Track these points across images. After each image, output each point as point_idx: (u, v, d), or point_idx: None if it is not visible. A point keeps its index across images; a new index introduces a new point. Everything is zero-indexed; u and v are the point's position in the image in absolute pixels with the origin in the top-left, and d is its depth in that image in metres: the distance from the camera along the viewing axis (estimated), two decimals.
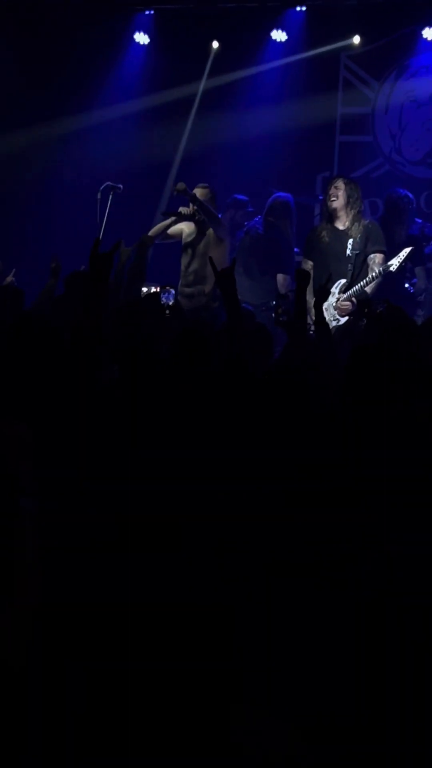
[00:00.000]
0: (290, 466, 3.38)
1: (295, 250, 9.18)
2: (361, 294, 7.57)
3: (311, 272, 7.78)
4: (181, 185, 8.23)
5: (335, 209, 7.79)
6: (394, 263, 7.49)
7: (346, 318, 7.47)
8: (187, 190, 8.20)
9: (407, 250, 7.57)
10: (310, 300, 7.17)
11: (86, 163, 11.32)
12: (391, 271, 7.52)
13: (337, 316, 7.49)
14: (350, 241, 7.62)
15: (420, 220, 10.61)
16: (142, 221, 9.11)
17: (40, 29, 11.54)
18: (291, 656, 2.50)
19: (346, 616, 2.58)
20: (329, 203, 7.80)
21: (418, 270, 9.21)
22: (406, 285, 8.98)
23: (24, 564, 2.29)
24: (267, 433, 3.78)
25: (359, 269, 7.64)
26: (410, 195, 9.80)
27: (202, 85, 11.71)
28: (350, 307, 7.38)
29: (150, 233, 8.14)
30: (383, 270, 7.47)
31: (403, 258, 7.51)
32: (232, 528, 2.99)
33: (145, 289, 8.15)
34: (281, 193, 9.40)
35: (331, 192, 7.82)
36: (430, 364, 4.72)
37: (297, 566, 2.68)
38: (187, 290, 7.72)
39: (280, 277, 8.80)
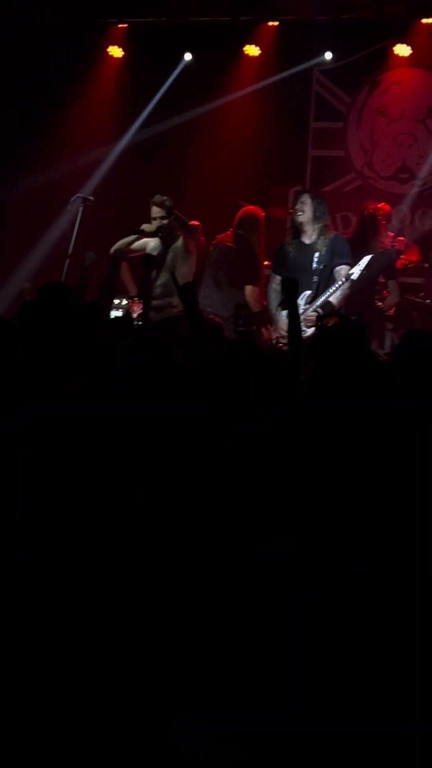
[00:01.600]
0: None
1: (260, 262, 9.24)
2: (326, 305, 7.67)
3: (277, 286, 7.86)
4: (157, 198, 8.29)
5: (301, 223, 7.93)
6: (356, 271, 7.62)
7: (313, 329, 7.53)
8: (165, 203, 8.25)
9: (367, 258, 7.69)
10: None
11: (57, 175, 11.33)
12: (352, 279, 7.64)
13: (304, 328, 7.54)
14: (316, 254, 7.73)
15: (397, 235, 10.70)
16: (114, 232, 9.09)
17: (14, 43, 11.54)
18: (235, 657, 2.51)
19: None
20: (295, 218, 7.93)
21: (390, 284, 9.27)
22: (376, 300, 9.05)
23: None
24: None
25: (325, 282, 7.74)
26: (384, 209, 9.87)
27: (167, 95, 11.73)
28: (315, 319, 7.43)
29: (113, 249, 8.17)
30: (345, 278, 7.59)
31: (363, 266, 7.64)
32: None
33: (116, 301, 8.18)
34: (251, 207, 9.45)
35: (297, 207, 7.95)
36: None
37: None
38: (155, 303, 7.74)
39: (248, 288, 8.86)
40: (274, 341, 7.72)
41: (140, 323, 5.95)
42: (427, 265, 10.35)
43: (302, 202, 7.90)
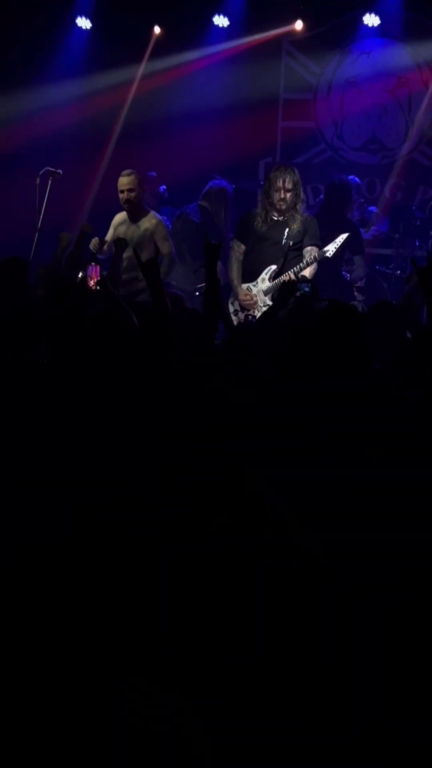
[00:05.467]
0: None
1: (226, 237, 9.20)
2: (303, 279, 7.55)
3: (240, 255, 7.76)
4: (126, 171, 8.25)
5: (282, 210, 7.62)
6: (330, 249, 7.49)
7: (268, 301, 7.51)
8: (132, 175, 8.21)
9: (344, 236, 7.59)
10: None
11: (25, 146, 11.25)
12: (327, 257, 7.53)
13: (268, 301, 7.51)
14: (286, 230, 7.58)
15: (368, 206, 10.71)
16: (79, 205, 9.07)
17: None
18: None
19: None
20: (277, 203, 7.59)
21: (356, 258, 9.26)
22: (343, 272, 9.05)
23: None
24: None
25: (291, 258, 7.60)
26: (354, 180, 9.85)
27: (141, 69, 11.67)
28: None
29: (82, 224, 8.13)
30: (319, 255, 7.47)
31: (339, 243, 7.52)
32: None
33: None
34: (218, 180, 9.40)
35: (281, 196, 7.56)
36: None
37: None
38: (123, 277, 7.71)
39: None
40: (243, 315, 7.67)
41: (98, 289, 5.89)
42: (397, 236, 10.37)
43: (286, 190, 7.54)
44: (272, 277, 7.58)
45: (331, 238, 7.65)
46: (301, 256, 7.56)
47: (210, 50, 11.67)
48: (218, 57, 11.67)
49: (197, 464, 2.92)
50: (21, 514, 3.31)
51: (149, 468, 3.11)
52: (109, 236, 8.31)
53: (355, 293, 9.37)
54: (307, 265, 7.47)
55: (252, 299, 7.64)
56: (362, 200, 10.54)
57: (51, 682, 2.17)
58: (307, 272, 7.50)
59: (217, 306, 5.06)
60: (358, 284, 9.44)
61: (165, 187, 9.81)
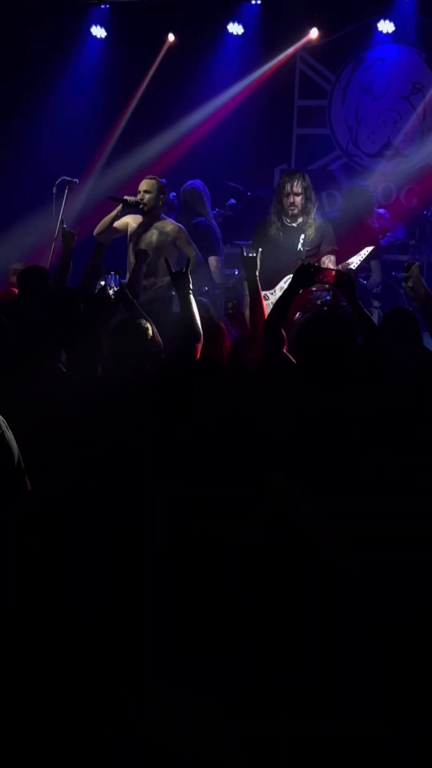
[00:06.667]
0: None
1: (218, 233, 9.23)
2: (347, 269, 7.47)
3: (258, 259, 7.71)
4: (150, 176, 8.27)
5: (294, 214, 7.62)
6: (355, 261, 7.41)
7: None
8: (155, 179, 8.21)
9: (368, 249, 7.52)
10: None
11: (41, 156, 11.31)
12: (351, 269, 7.46)
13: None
14: (302, 236, 7.54)
15: (382, 211, 10.71)
16: (97, 214, 9.06)
17: None
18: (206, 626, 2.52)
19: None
20: (288, 208, 7.58)
21: (373, 263, 9.26)
22: (360, 279, 9.05)
23: None
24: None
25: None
26: (369, 187, 9.87)
27: (155, 76, 11.70)
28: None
29: (96, 230, 8.12)
30: (343, 267, 7.38)
31: (364, 257, 7.46)
32: None
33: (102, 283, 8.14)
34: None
35: (291, 200, 7.57)
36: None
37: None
38: (143, 283, 7.71)
39: (212, 259, 8.88)
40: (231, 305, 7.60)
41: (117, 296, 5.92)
42: (413, 242, 10.36)
43: (296, 194, 7.53)
44: None
45: (351, 245, 7.63)
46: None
47: (224, 58, 11.69)
48: (233, 65, 11.69)
49: (222, 473, 2.93)
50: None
51: (173, 477, 3.12)
52: (118, 224, 8.22)
53: (372, 299, 9.37)
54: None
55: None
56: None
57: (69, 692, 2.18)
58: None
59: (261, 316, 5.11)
60: (374, 290, 9.44)
61: (175, 194, 9.83)
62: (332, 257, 7.55)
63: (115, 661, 2.18)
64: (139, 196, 8.09)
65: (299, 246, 7.50)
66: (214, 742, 1.95)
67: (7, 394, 4.27)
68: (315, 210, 7.75)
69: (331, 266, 7.42)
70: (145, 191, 8.12)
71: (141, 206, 8.06)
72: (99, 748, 2.04)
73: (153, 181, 8.15)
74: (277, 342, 4.91)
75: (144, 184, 8.16)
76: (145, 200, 8.08)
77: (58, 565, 2.36)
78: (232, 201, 10.60)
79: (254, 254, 5.91)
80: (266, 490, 2.67)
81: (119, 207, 8.06)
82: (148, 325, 5.19)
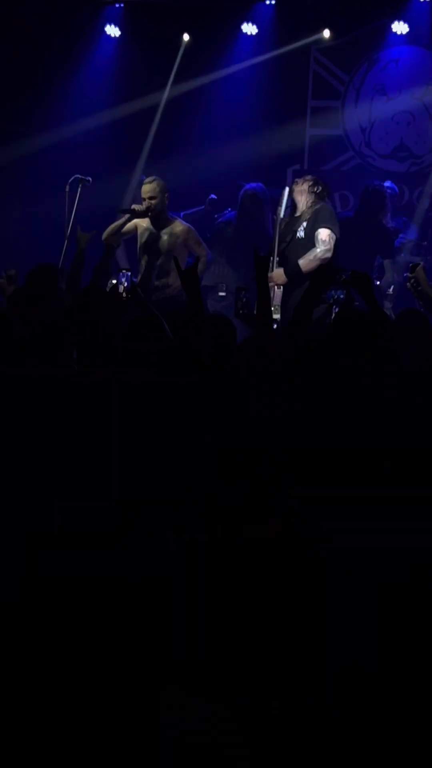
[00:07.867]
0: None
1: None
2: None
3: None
4: (148, 178, 8.29)
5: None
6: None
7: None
8: (155, 182, 8.23)
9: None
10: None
11: (54, 153, 11.33)
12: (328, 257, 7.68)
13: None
14: (303, 224, 7.82)
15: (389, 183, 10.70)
16: (110, 214, 9.08)
17: (11, 26, 11.50)
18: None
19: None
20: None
21: (386, 263, 9.26)
22: (373, 279, 9.04)
23: None
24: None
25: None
26: (389, 188, 9.85)
27: (171, 78, 11.70)
28: None
29: (104, 235, 8.15)
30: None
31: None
32: None
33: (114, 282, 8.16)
34: (250, 184, 9.42)
35: (294, 198, 8.06)
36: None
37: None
38: (155, 283, 7.75)
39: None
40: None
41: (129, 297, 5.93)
42: (425, 243, 10.34)
43: (300, 192, 8.00)
44: None
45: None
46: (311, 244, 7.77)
47: (238, 58, 11.69)
48: (246, 65, 11.68)
49: (239, 472, 2.93)
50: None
51: (189, 476, 3.12)
52: (127, 228, 8.27)
53: (384, 301, 9.35)
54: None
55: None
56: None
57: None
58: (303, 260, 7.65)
59: (270, 318, 5.09)
60: (387, 291, 9.42)
61: (214, 196, 9.98)
62: (323, 232, 7.71)
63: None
64: (145, 204, 8.15)
65: (299, 233, 7.76)
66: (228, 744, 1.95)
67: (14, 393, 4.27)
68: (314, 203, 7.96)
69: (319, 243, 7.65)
70: (150, 198, 8.17)
71: (149, 213, 8.13)
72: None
73: (154, 184, 8.18)
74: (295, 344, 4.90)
75: (147, 191, 8.19)
76: (152, 207, 8.14)
77: None
78: (213, 196, 10.58)
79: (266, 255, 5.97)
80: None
81: (127, 216, 8.14)
82: (163, 323, 5.18)
